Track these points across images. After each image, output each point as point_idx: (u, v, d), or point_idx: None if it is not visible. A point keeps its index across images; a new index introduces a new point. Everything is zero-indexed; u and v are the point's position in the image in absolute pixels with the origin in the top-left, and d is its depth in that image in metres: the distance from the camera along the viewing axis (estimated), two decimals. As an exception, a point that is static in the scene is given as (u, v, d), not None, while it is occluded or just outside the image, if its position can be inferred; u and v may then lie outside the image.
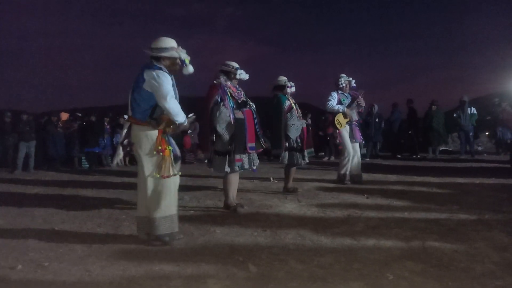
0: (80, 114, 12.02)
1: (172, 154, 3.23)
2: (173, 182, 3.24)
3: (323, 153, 12.45)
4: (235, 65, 4.42)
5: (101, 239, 3.41)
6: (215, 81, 4.30)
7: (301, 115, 5.57)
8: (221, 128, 4.15)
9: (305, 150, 5.48)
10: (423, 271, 2.56)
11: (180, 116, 3.21)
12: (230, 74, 4.39)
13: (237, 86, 4.45)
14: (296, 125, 5.28)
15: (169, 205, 3.21)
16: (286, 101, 5.33)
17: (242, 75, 4.41)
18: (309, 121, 12.82)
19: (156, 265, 2.75)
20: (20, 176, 8.49)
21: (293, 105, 5.37)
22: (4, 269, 2.71)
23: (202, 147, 4.52)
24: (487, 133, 13.87)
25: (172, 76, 3.27)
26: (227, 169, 4.22)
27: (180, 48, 3.33)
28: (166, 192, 3.19)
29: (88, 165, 10.61)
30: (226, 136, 4.17)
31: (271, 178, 6.84)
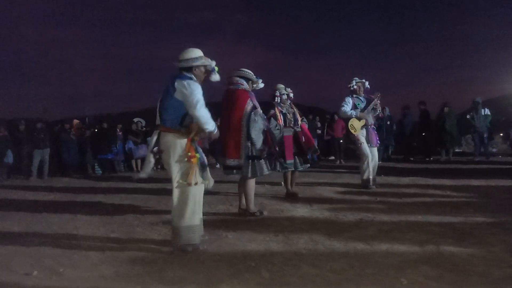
0: (87, 121, 12.19)
1: (199, 162, 3.26)
2: (198, 191, 3.26)
3: (333, 157, 12.38)
4: (252, 74, 4.48)
5: (115, 245, 3.44)
6: (243, 87, 4.34)
7: (295, 122, 5.50)
8: (254, 134, 4.22)
9: (289, 159, 5.31)
10: (438, 276, 2.52)
11: (210, 124, 3.25)
12: (249, 82, 4.43)
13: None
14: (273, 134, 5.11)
15: (193, 214, 3.22)
16: (271, 110, 5.31)
17: (261, 84, 4.50)
18: (318, 124, 12.79)
19: (169, 271, 2.76)
20: (35, 183, 8.62)
21: (277, 114, 5.30)
22: (20, 276, 2.75)
23: (220, 152, 4.45)
24: (501, 134, 13.63)
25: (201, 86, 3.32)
26: (267, 171, 4.42)
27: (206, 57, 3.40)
28: (191, 200, 3.20)
29: (101, 172, 10.73)
30: (259, 142, 4.26)
31: (282, 183, 6.82)
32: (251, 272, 2.71)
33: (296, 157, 5.43)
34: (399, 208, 4.62)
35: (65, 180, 9.22)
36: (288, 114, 5.47)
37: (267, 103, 5.42)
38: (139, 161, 11.06)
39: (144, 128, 11.77)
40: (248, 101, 4.25)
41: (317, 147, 6.06)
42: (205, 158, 3.43)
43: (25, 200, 6.22)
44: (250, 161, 4.30)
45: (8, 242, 3.59)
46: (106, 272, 2.77)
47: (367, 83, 6.33)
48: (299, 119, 5.62)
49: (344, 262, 2.83)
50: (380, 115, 6.56)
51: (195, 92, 3.16)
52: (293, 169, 5.47)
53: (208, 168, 3.43)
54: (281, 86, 5.52)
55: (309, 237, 3.49)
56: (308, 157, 5.62)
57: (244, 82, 4.39)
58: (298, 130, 5.53)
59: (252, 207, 4.48)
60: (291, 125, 5.46)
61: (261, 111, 4.46)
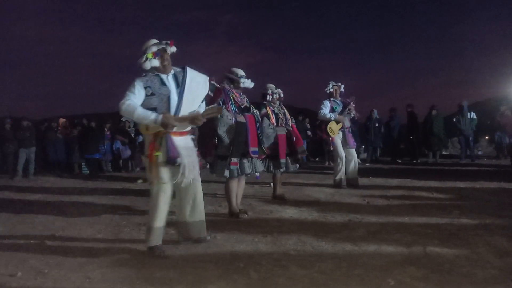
0: (76, 121, 12.01)
1: (163, 159, 3.06)
2: (161, 191, 3.11)
3: (317, 158, 12.46)
4: (240, 72, 4.39)
5: (101, 245, 3.40)
6: (218, 85, 4.30)
7: (286, 122, 5.51)
8: (222, 131, 4.13)
9: (282, 159, 5.29)
10: (424, 277, 2.55)
11: (141, 119, 3.04)
12: (234, 82, 4.39)
13: (241, 93, 4.46)
14: (267, 133, 5.08)
15: (154, 215, 3.12)
16: (263, 109, 5.31)
17: (246, 83, 4.40)
18: (308, 126, 12.85)
19: (157, 272, 2.74)
20: (20, 183, 8.47)
21: (269, 113, 5.30)
22: (4, 277, 2.70)
23: (202, 152, 4.48)
24: (486, 137, 13.87)
25: (149, 79, 3.15)
26: (226, 173, 4.19)
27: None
28: (152, 199, 3.15)
29: (88, 171, 10.60)
30: (226, 140, 4.15)
31: (271, 184, 6.83)
32: (239, 273, 2.70)
33: (287, 157, 5.44)
34: (387, 209, 4.66)
35: (51, 179, 9.09)
36: (279, 114, 5.48)
37: (257, 104, 5.43)
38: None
39: (133, 128, 11.64)
40: (219, 99, 4.20)
41: (305, 148, 6.13)
42: (175, 154, 3.06)
43: (10, 199, 6.12)
44: (219, 160, 4.24)
45: (-8, 242, 3.52)
46: (92, 273, 2.74)
47: (342, 86, 6.59)
48: (289, 118, 5.65)
49: (332, 263, 2.85)
50: (356, 118, 6.79)
51: (128, 87, 3.10)
52: (284, 169, 5.45)
53: (185, 166, 3.12)
54: (272, 85, 5.54)
55: (297, 238, 3.50)
56: (298, 157, 5.64)
57: (226, 82, 4.37)
58: (290, 129, 5.56)
59: (233, 208, 4.42)
60: (283, 124, 5.46)
61: (258, 111, 4.45)
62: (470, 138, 11.02)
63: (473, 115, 11.05)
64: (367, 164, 11.06)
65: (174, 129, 3.08)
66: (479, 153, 12.84)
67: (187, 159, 3.13)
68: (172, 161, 3.05)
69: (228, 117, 4.14)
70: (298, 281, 2.54)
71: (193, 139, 3.36)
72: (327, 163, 11.67)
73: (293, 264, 2.85)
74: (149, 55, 3.13)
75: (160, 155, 3.06)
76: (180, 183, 3.18)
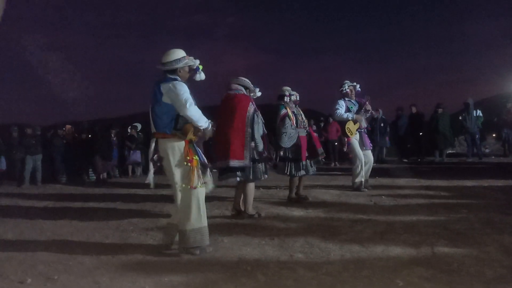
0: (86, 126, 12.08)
1: (199, 164, 3.25)
2: (201, 193, 3.25)
3: (323, 160, 12.42)
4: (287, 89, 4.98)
5: (110, 250, 3.42)
6: (243, 93, 4.46)
7: (305, 124, 5.51)
8: (259, 136, 4.33)
9: (304, 161, 5.30)
10: (432, 277, 2.54)
11: (203, 121, 3.25)
12: (247, 90, 4.54)
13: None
14: (289, 133, 5.16)
15: (199, 217, 3.21)
16: (283, 109, 5.33)
17: (258, 93, 4.66)
18: (314, 127, 12.83)
19: (164, 276, 2.75)
20: (28, 190, 8.53)
21: (290, 114, 5.30)
22: (13, 283, 2.73)
23: (219, 156, 4.43)
24: (494, 135, 13.76)
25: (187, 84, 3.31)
26: (266, 175, 4.64)
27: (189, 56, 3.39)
28: (194, 203, 3.20)
29: (95, 177, 10.65)
30: (261, 145, 4.35)
31: (277, 187, 6.83)
32: (246, 276, 2.71)
33: (307, 159, 5.42)
34: (394, 209, 4.64)
35: (58, 186, 9.14)
36: (299, 115, 5.47)
37: (275, 106, 5.46)
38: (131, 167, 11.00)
39: (140, 134, 11.70)
40: (250, 104, 4.34)
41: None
42: (204, 158, 3.39)
43: (18, 206, 6.16)
44: (252, 164, 4.35)
45: (2, 249, 3.55)
46: (101, 278, 2.76)
47: (358, 86, 6.40)
48: (306, 121, 5.65)
49: (339, 265, 2.84)
50: (372, 115, 6.61)
51: (182, 92, 3.16)
52: (305, 173, 5.41)
53: (208, 169, 3.44)
54: (288, 88, 5.52)
55: (304, 240, 3.49)
56: (319, 159, 5.64)
57: (243, 89, 4.50)
58: (308, 131, 5.58)
59: (251, 210, 4.54)
60: (303, 126, 5.46)
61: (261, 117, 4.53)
62: (477, 136, 10.93)
63: (479, 112, 10.97)
64: (373, 165, 11.00)
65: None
66: (486, 151, 12.74)
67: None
68: (205, 165, 3.34)
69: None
70: (305, 284, 2.54)
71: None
72: (333, 164, 11.65)
73: (301, 266, 2.85)
74: (201, 67, 3.39)
75: (196, 160, 3.24)
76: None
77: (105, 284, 2.66)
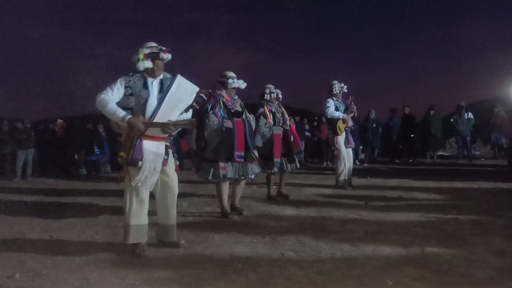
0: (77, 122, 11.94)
1: (129, 159, 3.04)
2: (132, 191, 3.12)
3: (316, 159, 12.48)
4: (230, 74, 4.47)
5: (99, 247, 3.39)
6: (210, 90, 4.34)
7: (283, 122, 5.49)
8: (208, 135, 4.23)
9: (274, 159, 5.23)
10: (422, 277, 2.56)
11: (109, 115, 3.04)
12: (224, 84, 4.46)
13: (235, 97, 4.52)
14: (262, 131, 5.15)
15: (128, 214, 3.12)
16: (260, 108, 5.35)
17: (235, 83, 4.44)
18: (307, 126, 12.85)
19: (155, 273, 2.74)
20: (18, 184, 8.45)
21: (267, 112, 5.32)
22: (2, 278, 2.69)
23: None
24: (477, 140, 13.92)
25: (133, 79, 3.17)
26: (210, 176, 4.29)
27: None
28: (125, 199, 3.15)
29: (86, 172, 10.57)
30: (212, 144, 4.25)
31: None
32: (237, 273, 2.70)
33: (282, 157, 5.44)
34: (385, 209, 4.67)
35: (49, 181, 9.06)
36: (277, 113, 5.49)
37: (255, 105, 5.44)
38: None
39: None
40: (208, 103, 4.26)
41: (302, 148, 6.10)
42: (141, 157, 3.03)
43: (7, 200, 6.09)
44: (204, 163, 4.35)
45: (-11, 244, 3.51)
46: (91, 274, 2.74)
47: (345, 87, 6.57)
48: (288, 118, 5.65)
49: (330, 264, 2.85)
50: (355, 116, 6.78)
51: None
52: (276, 170, 5.44)
53: (144, 170, 3.05)
54: (271, 86, 5.56)
55: (296, 239, 3.50)
56: (293, 157, 5.62)
57: (218, 86, 4.47)
58: (288, 128, 5.56)
59: (224, 209, 4.50)
60: (280, 124, 5.46)
61: (252, 114, 4.48)
62: (468, 139, 11.06)
63: (470, 115, 11.11)
64: (365, 165, 11.08)
65: (146, 133, 3.06)
66: (477, 153, 12.89)
67: (149, 164, 3.08)
68: (132, 162, 3.03)
69: (215, 122, 4.21)
70: (296, 282, 2.54)
71: (169, 146, 3.30)
72: (325, 164, 11.69)
73: (292, 264, 2.85)
74: (141, 56, 3.17)
75: (123, 156, 3.09)
76: (152, 185, 3.19)
77: (94, 280, 2.64)
